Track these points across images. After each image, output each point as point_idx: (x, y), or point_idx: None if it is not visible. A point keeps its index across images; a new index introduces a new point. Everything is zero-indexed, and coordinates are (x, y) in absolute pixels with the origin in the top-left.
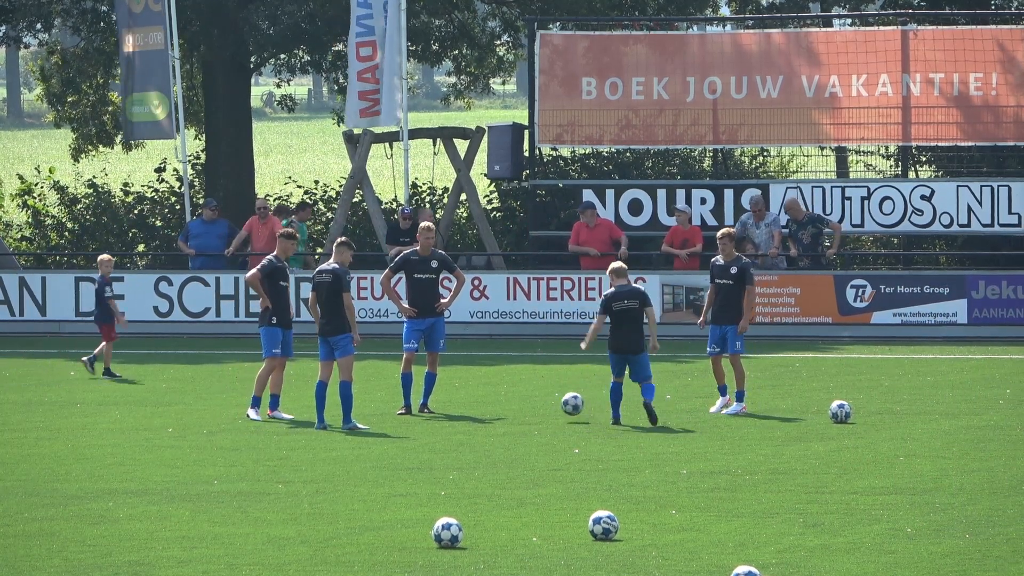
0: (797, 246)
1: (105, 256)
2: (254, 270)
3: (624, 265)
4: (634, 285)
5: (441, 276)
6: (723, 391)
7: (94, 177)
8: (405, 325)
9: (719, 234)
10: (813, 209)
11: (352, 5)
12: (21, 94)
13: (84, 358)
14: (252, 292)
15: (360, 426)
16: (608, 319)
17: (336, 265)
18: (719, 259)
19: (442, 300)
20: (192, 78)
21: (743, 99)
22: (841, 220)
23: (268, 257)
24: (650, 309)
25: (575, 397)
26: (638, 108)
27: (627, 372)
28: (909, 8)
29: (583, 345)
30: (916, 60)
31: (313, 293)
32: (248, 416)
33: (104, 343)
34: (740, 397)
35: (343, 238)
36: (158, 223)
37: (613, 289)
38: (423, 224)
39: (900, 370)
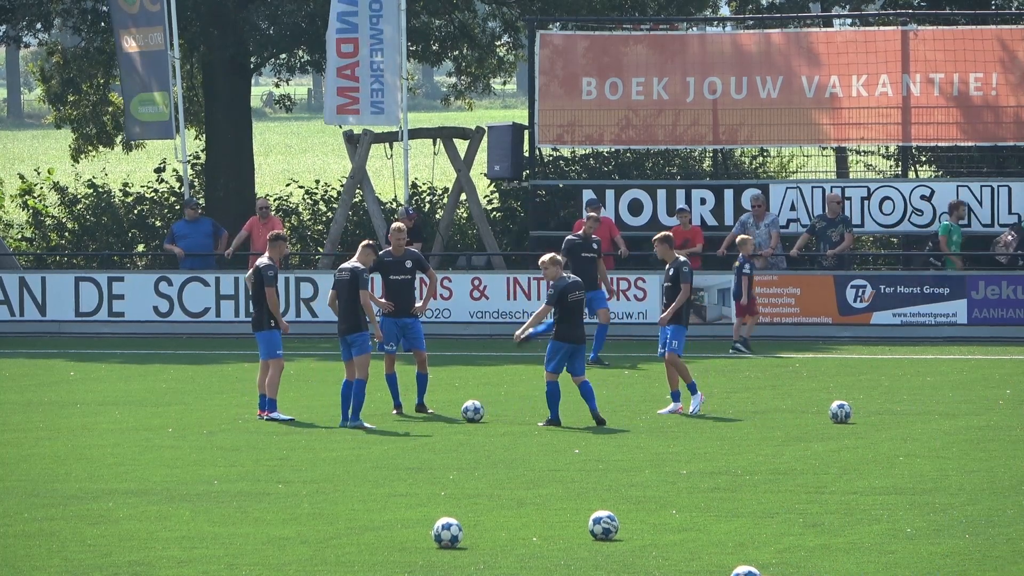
0: (824, 244)
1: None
2: (271, 288)
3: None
4: (573, 276)
5: (418, 276)
6: (675, 396)
7: (94, 177)
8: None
9: (653, 239)
10: (813, 210)
11: (332, 1)
12: (21, 94)
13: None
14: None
15: (367, 425)
16: (555, 311)
17: (357, 264)
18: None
19: (417, 304)
20: (192, 78)
21: (743, 99)
22: None
23: (270, 264)
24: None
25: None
26: (638, 108)
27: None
28: (909, 8)
29: (519, 334)
30: (916, 60)
31: (333, 291)
32: (275, 418)
33: (741, 319)
34: (675, 397)
35: (369, 240)
36: (158, 223)
37: (562, 280)
38: (394, 225)
39: (900, 370)
